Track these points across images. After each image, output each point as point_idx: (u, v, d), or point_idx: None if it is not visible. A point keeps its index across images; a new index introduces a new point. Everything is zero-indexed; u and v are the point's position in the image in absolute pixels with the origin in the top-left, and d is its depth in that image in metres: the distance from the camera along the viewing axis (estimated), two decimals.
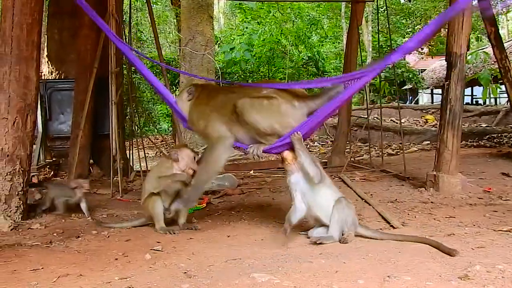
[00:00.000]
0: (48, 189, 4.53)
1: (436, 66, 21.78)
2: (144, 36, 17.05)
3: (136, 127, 7.23)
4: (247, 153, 3.44)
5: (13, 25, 3.98)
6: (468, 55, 9.19)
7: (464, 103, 14.78)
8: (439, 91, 20.40)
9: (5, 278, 2.58)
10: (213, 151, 3.46)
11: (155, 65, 14.70)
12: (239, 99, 3.34)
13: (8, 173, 3.95)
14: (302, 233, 3.47)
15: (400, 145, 9.86)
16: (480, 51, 14.16)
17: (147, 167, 6.51)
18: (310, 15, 18.33)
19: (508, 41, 17.21)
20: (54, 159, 7.10)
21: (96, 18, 4.04)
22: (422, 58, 23.08)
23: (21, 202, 4.04)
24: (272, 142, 3.31)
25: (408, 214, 3.98)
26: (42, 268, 2.74)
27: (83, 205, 4.43)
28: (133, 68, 6.44)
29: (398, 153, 9.27)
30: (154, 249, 3.11)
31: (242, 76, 17.00)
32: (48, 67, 7.47)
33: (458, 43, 4.72)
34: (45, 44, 7.52)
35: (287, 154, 3.20)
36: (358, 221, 3.27)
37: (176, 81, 15.41)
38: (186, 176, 3.67)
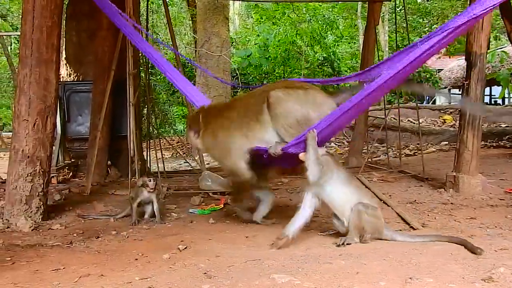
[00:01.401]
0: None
1: (454, 65, 21.51)
2: (160, 38, 17.17)
3: (152, 128, 7.27)
4: (269, 150, 3.42)
5: (33, 28, 4.03)
6: (489, 54, 9.07)
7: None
8: (457, 91, 20.16)
9: (27, 278, 2.62)
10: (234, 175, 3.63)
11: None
12: (271, 92, 3.36)
13: (29, 174, 4.00)
14: (321, 234, 3.46)
15: (417, 145, 9.77)
16: (499, 50, 13.95)
17: (164, 168, 6.54)
18: (326, 15, 18.27)
19: None
20: (72, 160, 7.17)
21: (114, 16, 4.08)
22: (439, 57, 22.82)
23: (42, 202, 4.09)
24: (293, 138, 3.30)
25: (428, 215, 3.94)
26: (64, 268, 2.77)
27: (154, 207, 4.21)
28: (150, 69, 6.48)
29: (416, 153, 9.18)
30: (173, 250, 3.12)
31: (257, 77, 17.02)
32: (67, 69, 7.55)
33: (478, 42, 4.66)
34: (63, 47, 7.60)
35: (302, 155, 3.18)
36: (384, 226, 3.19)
37: (192, 82, 15.48)
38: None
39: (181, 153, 12.51)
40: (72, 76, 7.51)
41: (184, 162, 9.80)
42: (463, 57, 5.11)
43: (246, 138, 3.50)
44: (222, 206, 4.81)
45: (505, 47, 15.63)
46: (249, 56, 15.23)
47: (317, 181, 3.09)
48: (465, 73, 4.87)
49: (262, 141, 3.47)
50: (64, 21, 7.45)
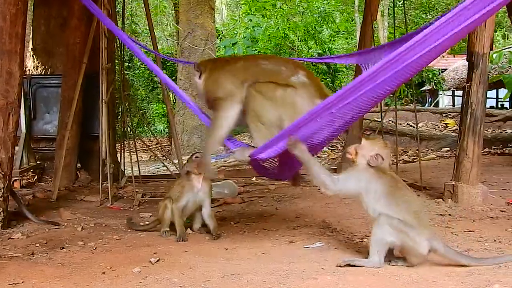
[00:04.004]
0: None
1: (459, 65, 21.71)
2: (140, 28, 17.12)
3: (128, 128, 7.26)
4: (234, 155, 3.39)
5: None
6: (493, 54, 9.18)
7: (488, 107, 14.78)
8: (461, 92, 20.34)
9: None
10: (217, 111, 3.36)
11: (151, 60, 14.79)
12: (254, 83, 3.23)
13: None
14: (307, 246, 3.49)
15: (417, 151, 9.85)
16: (506, 50, 14.14)
17: (139, 172, 6.54)
18: (321, 8, 18.36)
19: None
20: (38, 162, 7.13)
21: (90, 4, 4.05)
22: (443, 56, 23.04)
23: (1, 209, 4.06)
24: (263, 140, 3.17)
25: None
26: (23, 282, 2.75)
27: (205, 212, 4.04)
28: (127, 63, 6.47)
29: (415, 160, 9.26)
30: (144, 263, 3.12)
31: None
32: (33, 61, 7.50)
33: (481, 42, 4.72)
34: (30, 36, 7.55)
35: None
36: None
37: (173, 77, 15.45)
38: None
39: (159, 155, 12.49)
40: (39, 69, 7.46)
41: (162, 166, 9.78)
42: None
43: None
44: None
45: None
46: (234, 44, 15.17)
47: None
48: None
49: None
50: (32, 7, 7.41)
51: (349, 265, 2.88)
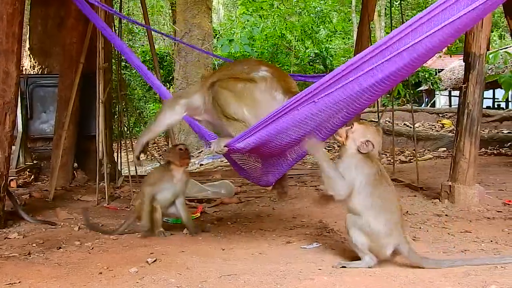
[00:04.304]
0: None
1: (455, 65, 21.77)
2: (136, 28, 17.11)
3: (125, 127, 7.25)
4: (210, 147, 3.37)
5: None
6: (490, 54, 9.19)
7: (485, 107, 14.81)
8: (458, 93, 20.39)
9: None
10: (164, 105, 3.62)
11: (148, 59, 14.79)
12: (219, 81, 3.31)
13: None
14: (304, 247, 3.49)
15: (413, 151, 9.87)
16: (502, 50, 14.17)
17: (136, 171, 6.52)
18: (318, 8, 18.38)
19: None
20: (35, 161, 7.12)
21: (84, 6, 4.07)
22: (440, 56, 23.08)
23: None
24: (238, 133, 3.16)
25: (420, 228, 3.99)
26: (19, 282, 2.75)
27: (178, 201, 4.08)
28: (123, 63, 6.46)
29: (412, 160, 9.28)
30: (141, 263, 3.12)
31: None
32: (30, 61, 7.49)
33: (478, 42, 4.73)
34: (27, 36, 7.54)
35: None
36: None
37: (170, 77, 15.46)
38: None
39: (156, 155, 12.46)
40: (36, 68, 7.45)
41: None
42: None
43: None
44: (199, 215, 4.82)
45: (510, 47, 15.91)
46: (231, 41, 15.14)
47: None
48: None
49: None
50: (29, 7, 7.41)
51: (344, 267, 2.89)
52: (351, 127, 2.89)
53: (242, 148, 3.18)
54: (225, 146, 3.22)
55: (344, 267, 2.88)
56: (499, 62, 14.52)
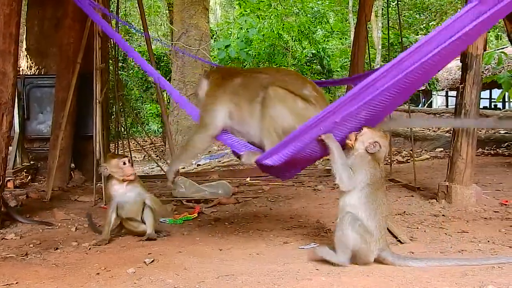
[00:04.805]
0: None
1: (452, 66, 21.75)
2: (133, 28, 17.08)
3: (122, 128, 7.25)
4: (241, 158, 3.39)
5: None
6: (486, 55, 9.21)
7: (482, 107, 14.84)
8: (455, 93, 20.43)
9: None
10: (194, 137, 3.47)
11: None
12: (272, 85, 3.24)
13: None
14: (301, 247, 3.49)
15: (410, 152, 9.89)
16: (498, 51, 14.20)
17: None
18: (315, 8, 18.38)
19: None
20: (32, 162, 7.11)
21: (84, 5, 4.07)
22: None
23: None
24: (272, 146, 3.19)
25: (418, 228, 4.00)
26: (17, 283, 2.75)
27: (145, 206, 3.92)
28: (121, 63, 6.46)
29: (409, 160, 9.29)
30: (139, 263, 3.12)
31: None
32: (27, 61, 7.48)
33: (474, 43, 4.75)
34: (24, 36, 7.54)
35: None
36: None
37: (167, 78, 15.44)
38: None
39: (153, 155, 12.47)
40: (33, 69, 7.45)
41: (156, 166, 9.77)
42: None
43: (231, 105, 3.41)
44: (196, 215, 4.82)
45: (506, 47, 15.93)
46: (227, 47, 15.16)
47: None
48: None
49: (242, 123, 3.40)
50: (26, 8, 7.40)
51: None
52: (360, 131, 3.01)
53: (270, 165, 3.19)
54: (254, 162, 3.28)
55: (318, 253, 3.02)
56: (494, 62, 14.54)
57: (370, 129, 3.01)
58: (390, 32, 7.89)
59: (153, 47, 11.28)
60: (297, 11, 17.95)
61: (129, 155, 6.63)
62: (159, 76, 3.95)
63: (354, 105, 2.83)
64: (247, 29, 16.01)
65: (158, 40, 14.40)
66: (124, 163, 3.80)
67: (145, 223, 3.88)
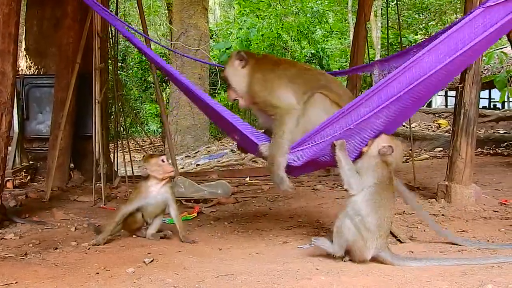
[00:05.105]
0: None
1: None
2: (132, 28, 17.08)
3: (121, 128, 7.25)
4: (259, 150, 3.33)
5: None
6: (485, 55, 9.21)
7: (481, 107, 14.84)
8: (454, 93, 20.42)
9: None
10: (281, 125, 3.28)
11: (144, 59, 14.77)
12: (323, 89, 3.26)
13: None
14: (301, 247, 3.49)
15: (410, 151, 9.90)
16: (498, 51, 14.21)
17: (133, 172, 6.52)
18: (314, 8, 18.38)
19: None
20: (31, 162, 7.11)
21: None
22: None
23: None
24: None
25: (417, 228, 4.00)
26: (16, 283, 2.74)
27: (172, 214, 3.88)
28: (120, 63, 6.46)
29: (408, 160, 9.29)
30: (138, 263, 3.12)
31: None
32: (26, 61, 7.48)
33: None
34: (23, 36, 7.54)
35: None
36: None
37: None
38: None
39: None
40: (32, 69, 7.45)
41: None
42: None
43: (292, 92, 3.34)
44: (196, 215, 4.83)
45: (505, 47, 15.92)
46: (228, 49, 15.20)
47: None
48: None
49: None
50: (25, 8, 7.40)
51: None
52: (377, 137, 3.10)
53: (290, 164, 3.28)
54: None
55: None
56: (495, 62, 14.55)
57: (387, 135, 3.11)
58: (389, 32, 7.88)
59: (152, 46, 11.27)
60: (297, 11, 17.96)
61: (128, 155, 6.66)
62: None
63: (368, 112, 2.96)
64: (247, 28, 16.04)
65: (157, 43, 14.43)
66: (163, 161, 3.81)
67: (147, 222, 3.91)
